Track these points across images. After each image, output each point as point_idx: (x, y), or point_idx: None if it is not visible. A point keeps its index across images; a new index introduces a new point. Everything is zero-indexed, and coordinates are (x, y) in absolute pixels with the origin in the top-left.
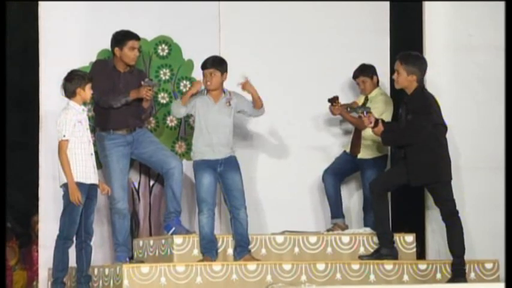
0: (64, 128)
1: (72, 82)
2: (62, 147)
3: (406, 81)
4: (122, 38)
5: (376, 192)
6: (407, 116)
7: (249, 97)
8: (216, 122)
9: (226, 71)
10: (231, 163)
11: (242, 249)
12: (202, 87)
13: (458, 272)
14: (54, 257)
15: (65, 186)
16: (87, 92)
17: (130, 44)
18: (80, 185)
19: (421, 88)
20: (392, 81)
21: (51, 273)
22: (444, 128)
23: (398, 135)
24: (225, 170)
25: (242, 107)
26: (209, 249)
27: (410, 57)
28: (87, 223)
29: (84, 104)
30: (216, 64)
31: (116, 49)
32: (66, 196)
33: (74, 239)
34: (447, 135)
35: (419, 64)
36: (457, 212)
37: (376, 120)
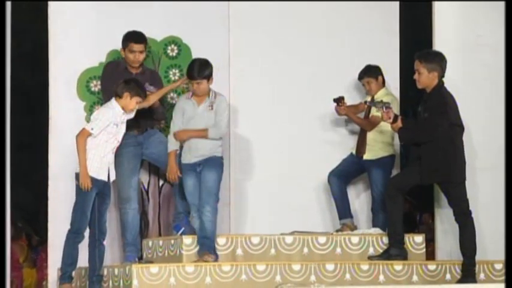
0: (96, 124)
1: (128, 84)
2: (82, 133)
3: (428, 79)
4: (124, 39)
5: (390, 193)
6: (424, 114)
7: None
8: (195, 125)
9: (211, 75)
10: (209, 162)
11: (201, 248)
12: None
13: (468, 273)
14: (63, 251)
15: (77, 176)
16: (131, 102)
17: (130, 47)
18: (91, 179)
19: (439, 86)
20: (402, 81)
21: (60, 267)
22: (460, 128)
23: (415, 132)
24: (203, 169)
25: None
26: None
27: (430, 54)
28: (101, 221)
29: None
30: (202, 74)
31: (121, 50)
32: (79, 188)
33: (85, 234)
34: None
35: (439, 60)
36: (470, 213)
37: (396, 116)
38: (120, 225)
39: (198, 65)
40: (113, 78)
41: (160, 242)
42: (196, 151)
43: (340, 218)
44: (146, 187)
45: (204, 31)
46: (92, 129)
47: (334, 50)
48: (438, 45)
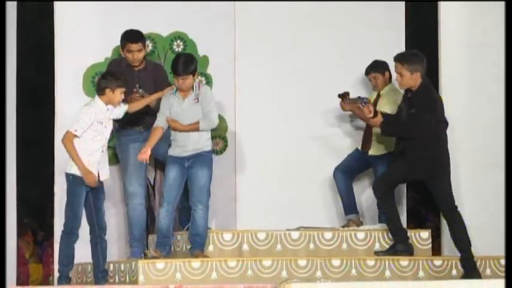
0: (79, 125)
1: (105, 79)
2: (68, 137)
3: (412, 80)
4: (121, 39)
5: (380, 191)
6: (411, 110)
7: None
8: (182, 120)
9: (196, 70)
10: (198, 159)
11: (193, 245)
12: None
13: (470, 268)
14: (59, 252)
15: (67, 176)
16: (116, 95)
17: (128, 47)
18: (79, 178)
19: (426, 83)
20: None
21: (57, 268)
22: (445, 124)
23: (399, 127)
24: (192, 165)
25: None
26: (161, 244)
27: (409, 56)
28: (98, 217)
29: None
30: (187, 70)
31: (120, 49)
32: (69, 188)
33: (79, 233)
34: (454, 132)
35: (419, 60)
36: (456, 207)
37: (376, 111)
38: (127, 220)
39: (183, 60)
40: None
41: None
42: (186, 146)
43: (346, 214)
44: (152, 182)
45: (210, 27)
46: (76, 130)
47: (339, 46)
48: (443, 42)
